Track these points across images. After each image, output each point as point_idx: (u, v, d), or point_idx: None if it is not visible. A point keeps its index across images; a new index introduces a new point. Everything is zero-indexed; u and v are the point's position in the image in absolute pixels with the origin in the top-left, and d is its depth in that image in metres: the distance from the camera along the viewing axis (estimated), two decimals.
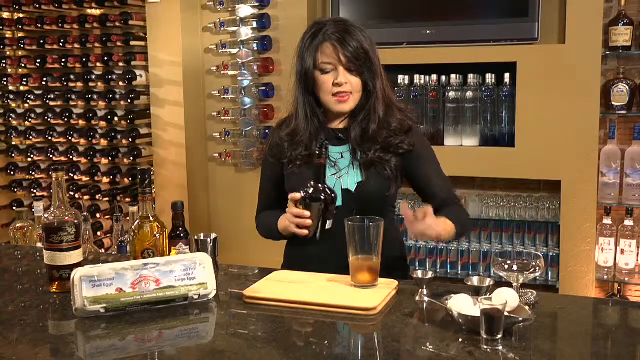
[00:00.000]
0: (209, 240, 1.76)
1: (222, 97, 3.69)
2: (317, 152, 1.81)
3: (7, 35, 4.20)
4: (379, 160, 1.88)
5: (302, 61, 1.89)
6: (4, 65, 4.15)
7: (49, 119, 4.03)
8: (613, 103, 3.11)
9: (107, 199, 4.02)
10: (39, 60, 4.03)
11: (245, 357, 1.33)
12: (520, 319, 1.39)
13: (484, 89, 3.22)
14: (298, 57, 1.91)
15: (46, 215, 1.73)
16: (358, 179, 1.89)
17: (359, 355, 1.35)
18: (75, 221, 1.73)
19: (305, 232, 1.83)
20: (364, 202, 1.87)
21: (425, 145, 1.98)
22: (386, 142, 1.89)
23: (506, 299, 1.37)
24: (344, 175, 1.90)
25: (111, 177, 3.93)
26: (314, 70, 1.87)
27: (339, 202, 1.87)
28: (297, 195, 1.81)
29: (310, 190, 1.80)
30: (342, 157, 1.93)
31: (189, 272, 1.60)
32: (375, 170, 1.88)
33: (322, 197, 1.79)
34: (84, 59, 3.89)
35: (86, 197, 4.04)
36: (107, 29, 3.90)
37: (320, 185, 1.80)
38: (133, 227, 1.73)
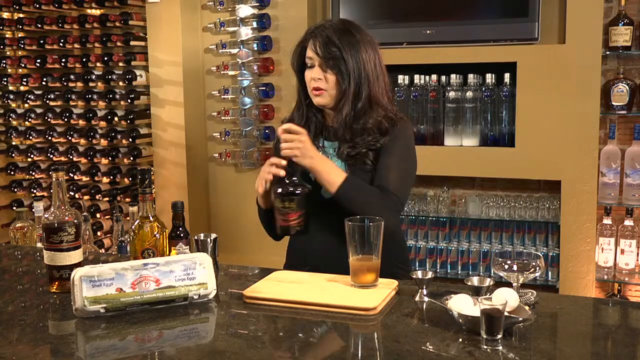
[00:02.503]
0: (209, 240, 1.76)
1: (222, 97, 3.70)
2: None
3: (7, 35, 4.20)
4: (357, 154, 1.92)
5: (293, 55, 1.99)
6: (4, 65, 4.16)
7: (49, 119, 4.03)
8: (613, 103, 3.11)
9: (107, 199, 4.02)
10: (39, 60, 4.03)
11: (245, 357, 1.33)
12: (520, 319, 1.39)
13: (484, 89, 3.22)
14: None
15: (46, 215, 1.73)
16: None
17: (359, 355, 1.35)
18: (75, 221, 1.73)
19: (270, 177, 1.85)
20: None
21: (398, 139, 1.93)
22: (363, 141, 1.91)
23: (506, 299, 1.37)
24: None
25: (111, 177, 3.93)
26: (302, 65, 1.97)
27: (329, 195, 1.89)
28: (281, 162, 1.83)
29: (290, 187, 1.82)
30: (334, 152, 1.98)
31: (189, 272, 1.60)
32: (357, 165, 1.92)
33: (299, 191, 1.83)
34: (84, 59, 3.89)
35: (86, 197, 4.04)
36: (107, 29, 3.90)
37: (295, 179, 1.84)
38: (133, 227, 1.73)
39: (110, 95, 3.86)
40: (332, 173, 1.85)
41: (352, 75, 1.89)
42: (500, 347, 1.33)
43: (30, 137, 4.14)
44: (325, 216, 1.89)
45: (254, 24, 3.58)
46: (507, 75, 3.16)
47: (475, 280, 1.59)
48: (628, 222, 3.14)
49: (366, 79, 1.90)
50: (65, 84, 3.98)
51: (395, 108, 2.01)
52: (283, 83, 3.60)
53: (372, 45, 1.93)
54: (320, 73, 1.91)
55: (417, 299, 1.60)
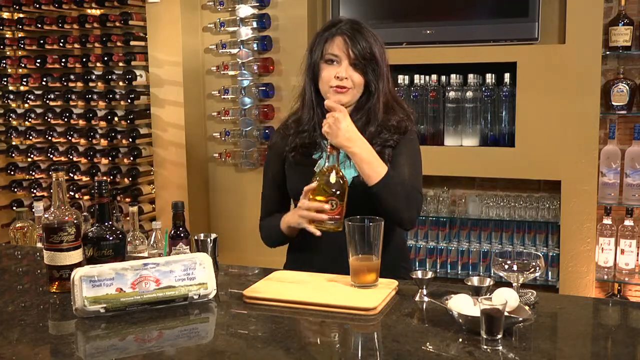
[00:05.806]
0: (209, 240, 1.76)
1: (222, 97, 3.69)
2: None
3: (7, 35, 4.20)
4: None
5: (312, 52, 1.93)
6: (4, 65, 4.16)
7: (49, 119, 4.03)
8: (613, 103, 3.11)
9: None
10: (39, 60, 4.03)
11: (245, 357, 1.33)
12: (520, 319, 1.39)
13: (484, 89, 3.22)
14: (309, 49, 1.95)
15: (46, 215, 1.73)
16: (354, 173, 1.88)
17: (359, 355, 1.35)
18: (75, 221, 1.73)
19: (318, 232, 1.79)
20: (360, 195, 1.83)
21: (409, 140, 1.95)
22: (381, 139, 1.89)
23: (506, 299, 1.37)
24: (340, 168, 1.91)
25: (111, 177, 3.93)
26: (320, 61, 1.91)
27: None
28: (313, 185, 1.78)
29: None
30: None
31: (189, 272, 1.60)
32: None
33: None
34: (84, 59, 3.89)
35: (86, 197, 4.04)
36: (107, 29, 3.90)
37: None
38: None
39: (110, 95, 3.86)
40: (375, 162, 1.80)
41: (383, 76, 1.88)
42: (500, 347, 1.33)
43: (30, 137, 4.14)
44: None
45: (254, 24, 3.58)
46: (507, 75, 3.17)
47: (475, 280, 1.59)
48: (628, 222, 3.14)
49: (387, 79, 1.91)
50: (65, 84, 3.98)
51: (408, 106, 2.01)
52: (283, 83, 3.60)
53: (383, 45, 1.94)
54: (349, 72, 1.86)
55: (417, 299, 1.60)
